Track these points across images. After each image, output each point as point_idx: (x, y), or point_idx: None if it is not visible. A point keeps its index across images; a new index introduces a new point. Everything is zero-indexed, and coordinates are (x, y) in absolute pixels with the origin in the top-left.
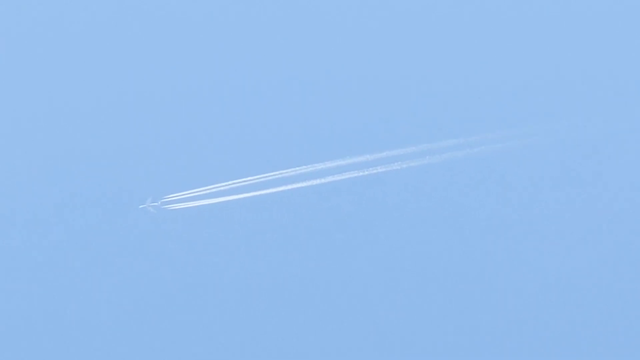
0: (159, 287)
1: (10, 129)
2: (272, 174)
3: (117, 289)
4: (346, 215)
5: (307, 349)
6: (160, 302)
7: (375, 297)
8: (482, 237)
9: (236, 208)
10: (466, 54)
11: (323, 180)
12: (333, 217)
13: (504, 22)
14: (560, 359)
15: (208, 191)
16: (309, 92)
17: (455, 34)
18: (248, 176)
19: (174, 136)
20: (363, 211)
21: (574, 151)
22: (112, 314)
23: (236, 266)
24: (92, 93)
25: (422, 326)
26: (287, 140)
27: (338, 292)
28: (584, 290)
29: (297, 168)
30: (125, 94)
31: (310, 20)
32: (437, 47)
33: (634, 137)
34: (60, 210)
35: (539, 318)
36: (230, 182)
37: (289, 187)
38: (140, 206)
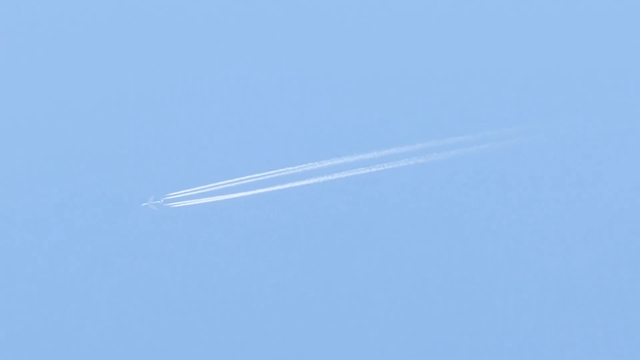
0: (161, 284)
1: (10, 129)
2: (275, 171)
3: (119, 286)
4: (346, 214)
5: (307, 346)
6: (162, 299)
7: (375, 296)
8: (481, 236)
9: (239, 206)
10: (465, 51)
11: (328, 178)
12: (335, 215)
13: (503, 19)
14: (559, 359)
15: (210, 189)
16: (310, 90)
17: (454, 32)
18: (251, 174)
19: (176, 134)
20: (363, 209)
21: (574, 150)
22: (114, 311)
23: (238, 264)
24: (93, 92)
25: (422, 326)
26: (289, 138)
27: (338, 290)
28: (584, 289)
29: (300, 166)
30: (126, 93)
31: (307, 20)
32: (436, 45)
33: (634, 136)
34: (63, 208)
35: (539, 317)
36: (232, 180)
37: (292, 184)
38: (143, 204)
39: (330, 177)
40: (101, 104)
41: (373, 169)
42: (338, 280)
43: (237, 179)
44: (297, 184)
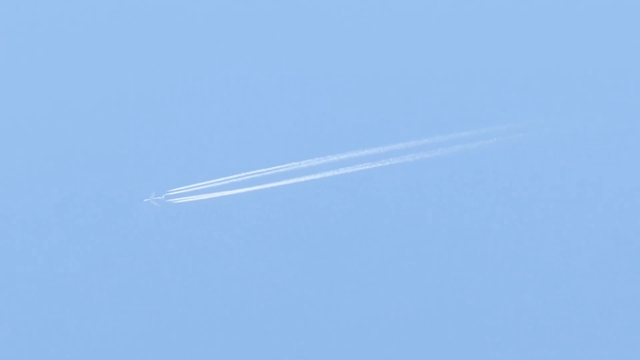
0: (162, 280)
1: (11, 126)
2: (275, 168)
3: (121, 282)
4: (347, 210)
5: (308, 342)
6: (163, 295)
7: (375, 293)
8: (480, 234)
9: (240, 202)
10: (463, 49)
11: (328, 174)
12: (336, 212)
13: (502, 16)
14: (559, 358)
15: (212, 185)
16: (310, 88)
17: (454, 29)
18: (251, 170)
19: (177, 130)
20: (364, 205)
21: (574, 148)
22: (116, 306)
23: (239, 259)
24: (94, 90)
25: (422, 325)
26: (290, 135)
27: (338, 286)
28: (584, 288)
29: (301, 162)
30: (128, 90)
31: (307, 18)
32: (436, 42)
33: (635, 134)
34: (64, 205)
35: (539, 316)
36: (234, 176)
37: (293, 180)
38: (144, 200)
39: (330, 174)
40: (102, 101)
41: (373, 166)
42: (338, 277)
43: (237, 175)
44: (297, 180)
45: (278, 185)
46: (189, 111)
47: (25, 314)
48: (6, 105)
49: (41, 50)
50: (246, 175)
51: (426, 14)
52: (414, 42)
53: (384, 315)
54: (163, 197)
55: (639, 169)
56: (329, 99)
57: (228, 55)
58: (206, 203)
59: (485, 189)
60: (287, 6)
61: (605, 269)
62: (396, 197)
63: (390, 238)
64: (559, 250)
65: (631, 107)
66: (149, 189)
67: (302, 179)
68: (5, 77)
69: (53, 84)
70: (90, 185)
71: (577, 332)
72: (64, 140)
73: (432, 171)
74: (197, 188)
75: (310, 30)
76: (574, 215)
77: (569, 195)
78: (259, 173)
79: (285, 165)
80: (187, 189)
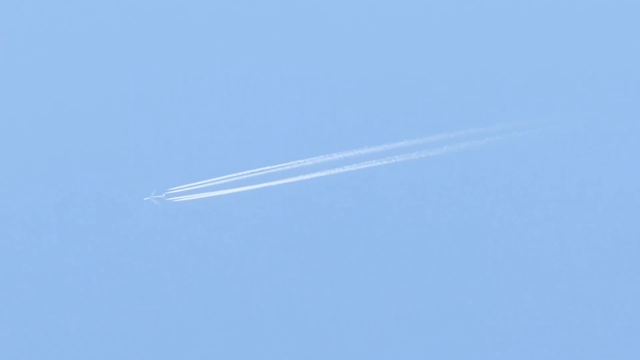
0: (162, 278)
1: (11, 126)
2: (275, 166)
3: (122, 281)
4: (348, 208)
5: (308, 340)
6: (164, 295)
7: (375, 292)
8: (481, 232)
9: (241, 200)
10: (464, 48)
11: (329, 173)
12: (336, 210)
13: (503, 16)
14: (558, 358)
15: (212, 184)
16: (310, 86)
17: (453, 29)
18: (252, 168)
19: (178, 129)
20: (365, 203)
21: (574, 147)
22: (117, 306)
23: (239, 258)
24: (95, 88)
25: (422, 323)
26: (290, 133)
27: (339, 285)
28: (584, 287)
29: (301, 160)
30: (128, 89)
31: (307, 17)
32: (435, 42)
33: (636, 133)
34: (65, 204)
35: (539, 315)
36: (234, 175)
37: (293, 179)
38: (145, 199)
39: (330, 172)
40: (102, 101)
41: (374, 164)
42: (339, 276)
43: (238, 174)
44: (298, 178)
45: (278, 183)
46: (189, 110)
47: (25, 313)
48: (6, 105)
49: (41, 50)
50: (246, 174)
51: (426, 14)
52: (414, 41)
53: (386, 313)
54: (163, 195)
55: (639, 168)
56: (328, 98)
57: (228, 55)
58: (207, 202)
59: (486, 188)
60: (287, 6)
61: (605, 268)
62: (398, 195)
63: (392, 236)
64: (559, 249)
65: (632, 107)
66: (150, 187)
67: (303, 177)
68: (5, 77)
69: (53, 84)
70: (91, 184)
71: (577, 330)
72: (64, 140)
73: (433, 170)
74: (198, 187)
75: (310, 30)
76: (574, 214)
77: (569, 194)
78: (259, 171)
79: (286, 164)
80: (188, 187)
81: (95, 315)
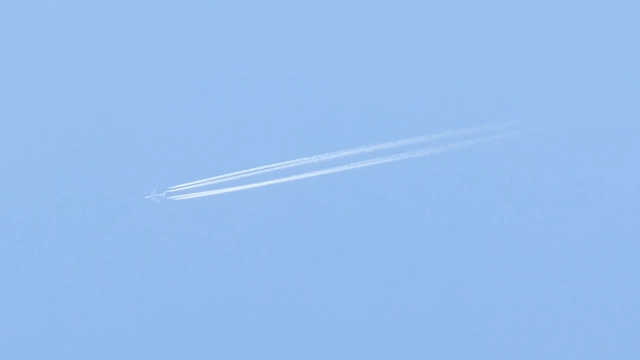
0: (163, 278)
1: (11, 126)
2: (277, 164)
3: (122, 280)
4: (349, 206)
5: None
6: (165, 293)
7: (377, 291)
8: (481, 230)
9: (241, 199)
10: (464, 47)
11: (330, 171)
12: (337, 208)
13: (503, 15)
14: (558, 357)
15: (212, 182)
16: (311, 84)
17: (454, 28)
18: (253, 167)
19: (178, 127)
20: (366, 201)
21: (574, 146)
22: (118, 304)
23: (240, 256)
24: (95, 87)
25: (423, 321)
26: (292, 132)
27: (340, 283)
28: (584, 286)
29: (302, 159)
30: (130, 88)
31: (307, 16)
32: (435, 41)
33: (636, 132)
34: (65, 203)
35: (539, 314)
36: (235, 173)
37: (294, 178)
38: (146, 197)
39: (331, 171)
40: (103, 100)
41: (375, 163)
42: (340, 274)
43: (238, 173)
44: (298, 177)
45: (279, 182)
46: (190, 109)
47: (25, 313)
48: (6, 105)
49: (41, 50)
50: (247, 172)
51: (427, 13)
52: (414, 41)
53: (386, 312)
54: (164, 194)
55: (639, 167)
56: (328, 97)
57: (228, 55)
58: (207, 200)
59: (486, 186)
60: (287, 6)
61: (605, 267)
62: (398, 194)
63: (392, 235)
64: (558, 248)
65: (632, 106)
66: (150, 186)
67: (303, 175)
68: (5, 77)
69: (53, 84)
70: (92, 183)
71: (577, 330)
72: (65, 139)
73: (432, 168)
74: (198, 185)
75: (310, 30)
76: (574, 212)
77: (569, 192)
78: (259, 170)
79: (287, 163)
80: (188, 186)
81: (95, 314)
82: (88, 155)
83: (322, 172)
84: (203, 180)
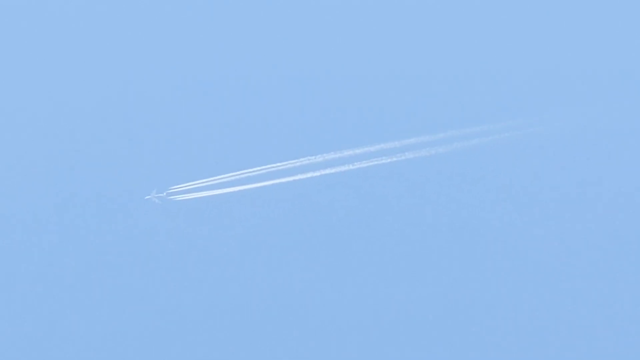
0: (163, 278)
1: (11, 126)
2: (277, 164)
3: (122, 280)
4: (349, 207)
5: (309, 339)
6: (165, 294)
7: (377, 291)
8: (481, 231)
9: (242, 199)
10: (464, 47)
11: (331, 171)
12: (338, 209)
13: (503, 14)
14: (557, 358)
15: (213, 182)
16: (312, 83)
17: (454, 28)
18: (253, 167)
19: (179, 127)
20: (367, 201)
21: (574, 146)
22: (117, 305)
23: (241, 257)
24: (95, 87)
25: (423, 321)
26: (293, 131)
27: (341, 284)
28: (584, 286)
29: (303, 159)
30: (129, 87)
31: (307, 16)
32: (435, 41)
33: (637, 132)
34: (65, 203)
35: (539, 314)
36: (235, 173)
37: (295, 177)
38: (146, 197)
39: (332, 171)
40: (103, 99)
41: (375, 163)
42: (340, 274)
43: (240, 172)
44: (299, 177)
45: (280, 182)
46: (190, 108)
47: (25, 313)
48: (6, 105)
49: (41, 50)
50: (247, 172)
51: (427, 13)
52: (414, 41)
53: (386, 311)
54: (164, 194)
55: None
56: (328, 97)
57: (228, 55)
58: (208, 200)
59: (486, 186)
60: (287, 6)
61: (606, 267)
62: (398, 194)
63: (393, 235)
64: (558, 248)
65: (633, 106)
66: (150, 186)
67: (304, 175)
68: (5, 77)
69: (53, 83)
70: (91, 183)
71: (577, 330)
72: (64, 139)
73: (432, 168)
74: (199, 185)
75: (310, 30)
76: (574, 212)
77: (569, 193)
78: (260, 170)
79: (287, 162)
80: (189, 186)
81: (95, 314)
82: (88, 156)
83: (323, 172)
84: (203, 180)
